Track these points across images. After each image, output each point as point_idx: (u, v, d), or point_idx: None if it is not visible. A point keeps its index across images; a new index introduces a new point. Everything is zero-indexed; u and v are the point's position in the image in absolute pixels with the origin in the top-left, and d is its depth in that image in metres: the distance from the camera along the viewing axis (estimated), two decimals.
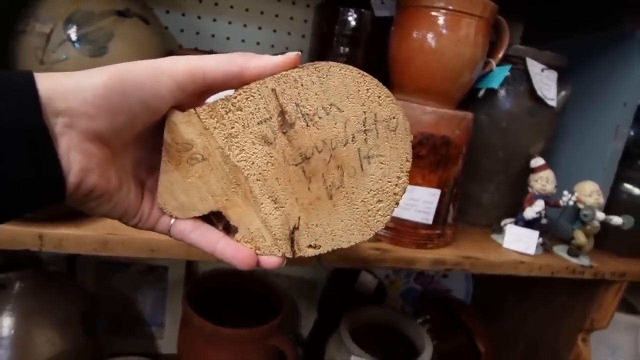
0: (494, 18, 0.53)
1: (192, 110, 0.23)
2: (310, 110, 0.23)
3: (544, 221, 0.59)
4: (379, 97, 0.23)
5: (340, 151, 0.24)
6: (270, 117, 0.23)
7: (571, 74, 0.63)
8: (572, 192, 0.57)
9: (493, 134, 0.60)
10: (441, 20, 0.50)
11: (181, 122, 0.23)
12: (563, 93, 0.61)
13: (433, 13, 0.50)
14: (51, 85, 0.19)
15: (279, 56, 0.23)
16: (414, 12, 0.52)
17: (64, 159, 0.20)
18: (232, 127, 0.24)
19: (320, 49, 0.66)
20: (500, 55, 0.55)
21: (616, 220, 0.57)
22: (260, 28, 0.75)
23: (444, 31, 0.50)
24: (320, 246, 0.25)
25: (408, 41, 0.52)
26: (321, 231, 0.25)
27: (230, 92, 0.24)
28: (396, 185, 0.24)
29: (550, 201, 0.58)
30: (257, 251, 0.26)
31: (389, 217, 0.25)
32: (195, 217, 0.26)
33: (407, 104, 0.51)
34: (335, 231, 0.25)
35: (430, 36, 0.51)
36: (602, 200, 0.57)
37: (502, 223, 0.62)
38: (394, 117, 0.23)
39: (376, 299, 0.80)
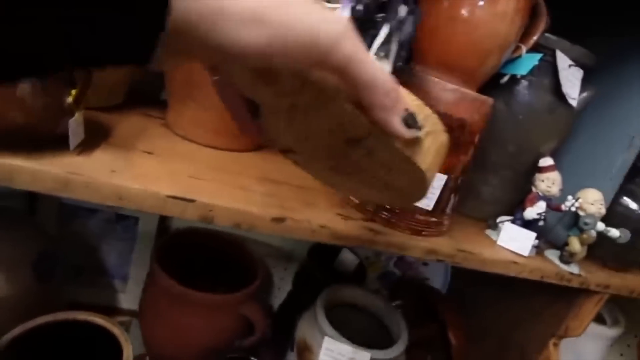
0: None
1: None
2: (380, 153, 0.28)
3: (541, 223, 0.57)
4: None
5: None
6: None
7: (593, 76, 0.59)
8: (576, 198, 0.55)
9: (507, 126, 0.57)
10: None
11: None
12: (585, 94, 0.57)
13: None
14: None
15: (405, 130, 0.24)
16: None
17: None
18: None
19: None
20: (533, 41, 0.51)
21: (614, 232, 0.55)
22: None
23: (481, 3, 0.45)
24: (295, 152, 0.31)
25: (439, 8, 0.47)
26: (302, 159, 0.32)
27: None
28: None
29: (552, 204, 0.56)
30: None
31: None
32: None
33: (427, 77, 0.47)
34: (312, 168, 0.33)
35: (464, 6, 0.46)
36: (603, 211, 0.55)
37: (498, 220, 0.59)
38: None
39: (355, 279, 0.78)
